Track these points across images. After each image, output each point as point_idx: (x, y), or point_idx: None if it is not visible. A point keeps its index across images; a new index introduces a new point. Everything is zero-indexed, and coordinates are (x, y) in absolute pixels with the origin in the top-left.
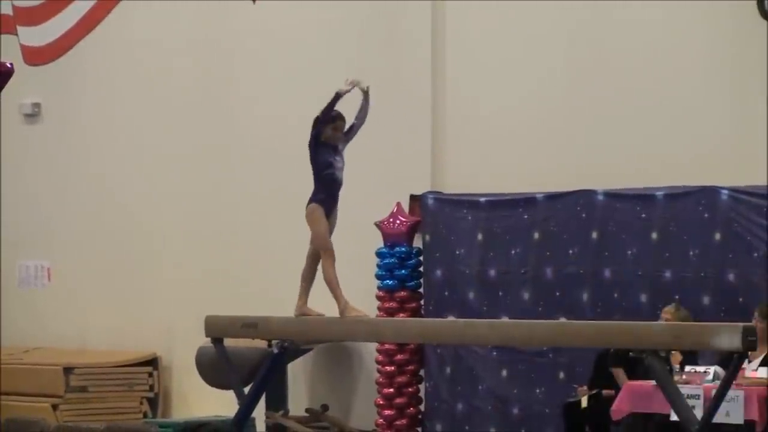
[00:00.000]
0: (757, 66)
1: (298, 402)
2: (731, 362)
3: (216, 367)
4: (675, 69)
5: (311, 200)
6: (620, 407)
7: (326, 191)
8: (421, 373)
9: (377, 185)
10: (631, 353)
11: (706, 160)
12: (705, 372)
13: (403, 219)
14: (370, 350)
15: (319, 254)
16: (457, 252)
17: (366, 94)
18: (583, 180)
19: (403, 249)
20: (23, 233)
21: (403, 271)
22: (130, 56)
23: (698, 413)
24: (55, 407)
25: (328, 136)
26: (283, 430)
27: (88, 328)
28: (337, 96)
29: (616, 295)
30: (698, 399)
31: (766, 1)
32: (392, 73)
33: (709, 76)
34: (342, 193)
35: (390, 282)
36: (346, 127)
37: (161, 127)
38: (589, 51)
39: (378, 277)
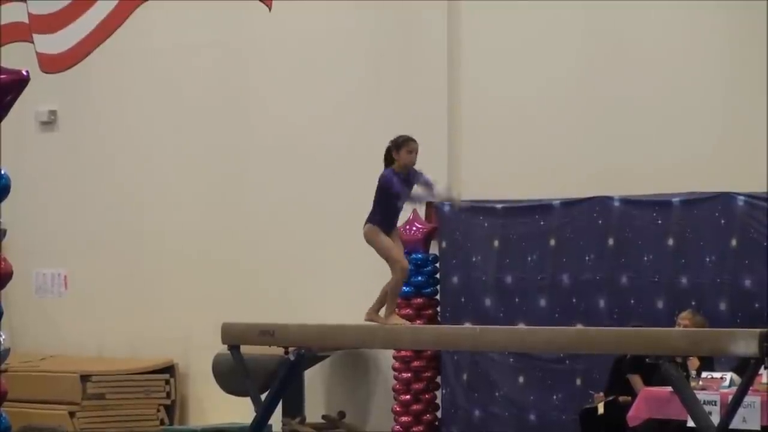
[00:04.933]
0: None
1: (314, 409)
2: (747, 368)
3: (233, 374)
4: (694, 75)
5: (368, 221)
6: (637, 413)
7: (384, 216)
8: (438, 379)
9: None
10: (647, 359)
11: (722, 166)
12: (722, 378)
13: (420, 226)
14: (386, 357)
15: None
16: (474, 259)
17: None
18: (600, 187)
19: (420, 256)
20: (40, 241)
21: (419, 278)
22: (146, 64)
23: (715, 419)
24: (72, 414)
25: (405, 161)
26: None
27: (105, 336)
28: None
29: (632, 301)
30: (715, 405)
31: None
32: (407, 80)
33: (729, 82)
34: (359, 200)
35: (406, 289)
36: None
37: (177, 134)
38: (606, 59)
39: None
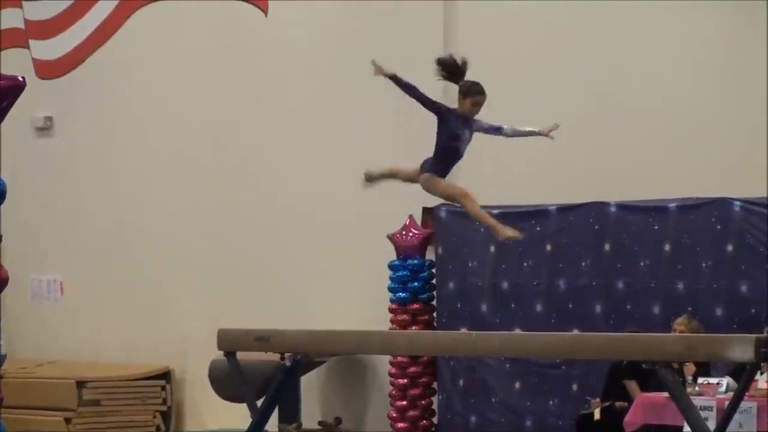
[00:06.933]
0: None
1: (311, 415)
2: (743, 374)
3: (229, 380)
4: (691, 79)
5: (424, 169)
6: (633, 419)
7: (444, 163)
8: (434, 385)
9: (390, 198)
10: (644, 365)
11: (718, 171)
12: (718, 384)
13: (416, 231)
14: (383, 363)
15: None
16: (470, 264)
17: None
18: (596, 192)
19: (416, 261)
20: (36, 247)
21: (415, 284)
22: (141, 70)
23: (711, 425)
24: (68, 421)
25: (466, 110)
26: None
27: (100, 342)
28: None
29: (628, 306)
30: (711, 411)
31: None
32: None
33: (726, 86)
34: (355, 206)
35: (403, 294)
36: (492, 124)
37: (174, 139)
38: (603, 63)
39: (391, 289)
